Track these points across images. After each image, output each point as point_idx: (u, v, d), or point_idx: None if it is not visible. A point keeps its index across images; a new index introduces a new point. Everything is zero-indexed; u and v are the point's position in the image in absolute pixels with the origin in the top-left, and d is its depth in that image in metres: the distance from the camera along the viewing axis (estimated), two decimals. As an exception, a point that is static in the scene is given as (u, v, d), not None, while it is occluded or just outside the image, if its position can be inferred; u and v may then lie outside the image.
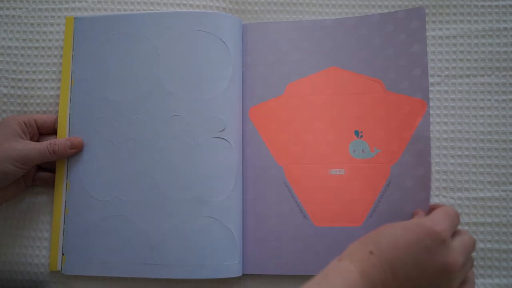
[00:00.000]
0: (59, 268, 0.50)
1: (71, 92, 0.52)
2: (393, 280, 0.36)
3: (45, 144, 0.48)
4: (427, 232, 0.37)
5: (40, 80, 0.54)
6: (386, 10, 0.53)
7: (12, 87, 0.53)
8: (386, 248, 0.36)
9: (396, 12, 0.52)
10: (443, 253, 0.36)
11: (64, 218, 0.50)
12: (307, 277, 0.48)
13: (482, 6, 0.52)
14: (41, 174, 0.51)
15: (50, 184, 0.51)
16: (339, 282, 0.35)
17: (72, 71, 0.52)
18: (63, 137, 0.51)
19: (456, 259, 0.37)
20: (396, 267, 0.36)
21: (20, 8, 0.55)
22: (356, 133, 0.50)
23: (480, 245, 0.49)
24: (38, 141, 0.51)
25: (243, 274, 0.48)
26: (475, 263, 0.48)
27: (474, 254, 0.49)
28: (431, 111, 0.51)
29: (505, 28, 0.52)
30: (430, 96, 0.51)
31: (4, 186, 0.48)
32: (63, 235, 0.50)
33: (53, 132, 0.52)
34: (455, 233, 0.41)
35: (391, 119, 0.50)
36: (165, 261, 0.47)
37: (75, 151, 0.50)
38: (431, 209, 0.45)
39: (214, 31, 0.50)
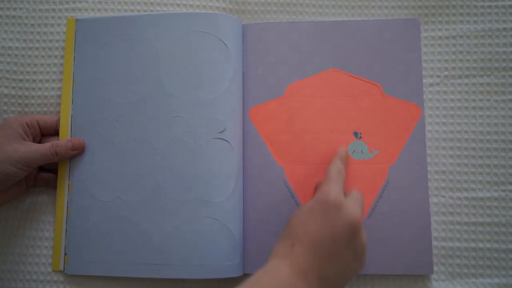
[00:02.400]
0: (61, 268, 0.50)
1: (73, 93, 0.52)
2: (317, 260, 0.38)
3: (47, 146, 0.48)
4: (325, 203, 0.40)
5: (40, 80, 0.54)
6: (385, 11, 0.53)
7: (13, 87, 0.54)
8: (302, 236, 0.39)
9: (393, 20, 0.52)
10: (343, 214, 0.39)
11: (67, 219, 0.50)
12: (307, 277, 0.49)
13: (482, 6, 0.52)
14: (43, 174, 0.52)
15: (51, 185, 0.51)
16: (273, 282, 0.37)
17: (73, 73, 0.52)
18: (65, 138, 0.51)
19: (355, 213, 0.40)
20: (316, 247, 0.39)
21: (21, 9, 0.55)
22: (355, 134, 0.50)
23: (480, 245, 0.49)
24: (40, 142, 0.51)
25: (244, 274, 0.49)
26: (474, 262, 0.49)
27: (473, 254, 0.49)
28: (430, 112, 0.51)
29: (505, 28, 0.52)
30: (430, 96, 0.52)
31: (6, 187, 0.48)
32: (66, 235, 0.50)
33: (55, 133, 0.52)
34: (345, 194, 0.43)
35: (389, 122, 0.50)
36: (166, 261, 0.48)
37: (77, 152, 0.50)
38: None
39: (215, 31, 0.50)
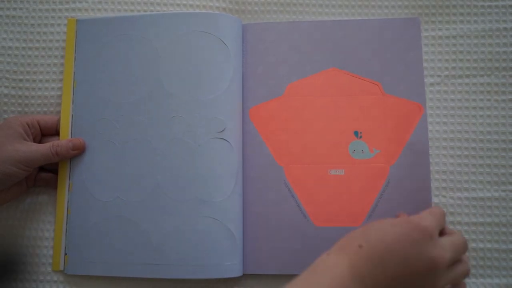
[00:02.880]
0: (61, 268, 0.50)
1: (73, 93, 0.52)
2: (382, 273, 0.36)
3: (48, 146, 0.48)
4: (414, 226, 0.37)
5: (41, 80, 0.54)
6: (386, 11, 0.53)
7: (13, 87, 0.54)
8: (375, 242, 0.37)
9: (394, 19, 0.52)
10: (429, 247, 0.37)
11: (67, 219, 0.50)
12: (307, 277, 0.49)
13: (482, 6, 0.52)
14: (43, 174, 0.52)
15: (51, 185, 0.51)
16: (327, 276, 0.35)
17: (74, 73, 0.52)
18: (65, 138, 0.51)
19: (443, 254, 0.37)
20: (385, 259, 0.36)
21: (21, 9, 0.55)
22: (356, 133, 0.50)
23: (480, 245, 0.49)
24: (40, 142, 0.51)
25: (244, 274, 0.49)
26: (474, 262, 0.49)
27: (473, 254, 0.49)
28: (431, 111, 0.51)
29: (505, 28, 0.52)
30: (430, 96, 0.52)
31: (6, 187, 0.48)
32: (66, 235, 0.50)
33: (55, 133, 0.52)
34: (446, 233, 0.41)
35: (390, 121, 0.50)
36: (166, 261, 0.48)
37: (77, 153, 0.50)
38: None
39: (214, 31, 0.50)
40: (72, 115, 0.52)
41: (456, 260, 0.39)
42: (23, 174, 0.47)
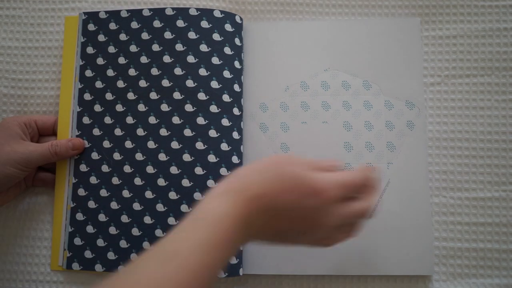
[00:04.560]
0: (60, 264, 0.49)
1: (74, 88, 0.51)
2: (268, 190, 0.35)
3: (47, 146, 0.48)
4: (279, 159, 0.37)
5: (40, 80, 0.54)
6: (386, 11, 0.53)
7: (12, 87, 0.53)
8: (258, 189, 0.35)
9: (393, 19, 0.52)
10: (311, 178, 0.35)
11: (66, 215, 0.50)
12: (307, 277, 0.49)
13: (482, 6, 0.52)
14: (42, 175, 0.51)
15: (50, 185, 0.51)
16: (209, 220, 0.33)
17: (75, 68, 0.52)
18: (65, 136, 0.51)
19: (326, 187, 0.35)
20: (269, 203, 0.35)
21: (20, 8, 0.55)
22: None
23: (481, 245, 0.49)
24: (38, 142, 0.51)
25: (243, 274, 0.48)
26: (474, 262, 0.49)
27: (474, 254, 0.49)
28: (431, 111, 0.51)
29: (505, 28, 0.52)
30: (430, 96, 0.52)
31: (5, 189, 0.48)
32: (65, 231, 0.50)
33: (52, 133, 0.51)
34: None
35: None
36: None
37: (77, 152, 0.50)
38: None
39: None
40: (73, 110, 0.51)
41: (349, 197, 0.38)
42: (22, 175, 0.47)
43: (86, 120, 0.51)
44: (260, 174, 0.36)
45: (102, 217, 0.49)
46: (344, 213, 0.37)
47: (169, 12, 0.51)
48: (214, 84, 0.49)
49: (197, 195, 0.48)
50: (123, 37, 0.51)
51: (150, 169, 0.49)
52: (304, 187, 0.35)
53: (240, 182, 0.36)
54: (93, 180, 0.50)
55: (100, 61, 0.51)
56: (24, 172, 0.47)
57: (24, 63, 0.54)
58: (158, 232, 0.48)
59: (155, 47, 0.51)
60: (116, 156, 0.50)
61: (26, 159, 0.46)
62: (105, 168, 0.50)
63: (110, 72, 0.51)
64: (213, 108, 0.49)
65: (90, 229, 0.49)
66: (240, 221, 0.33)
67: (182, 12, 0.51)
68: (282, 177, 0.35)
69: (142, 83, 0.50)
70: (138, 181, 0.49)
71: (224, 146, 0.49)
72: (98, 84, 0.51)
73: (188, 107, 0.49)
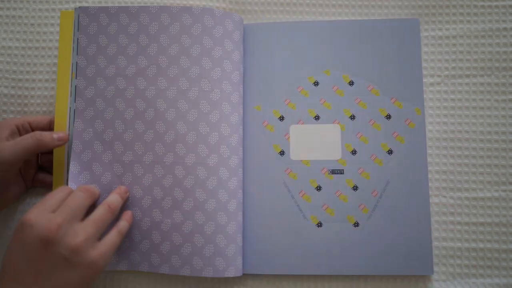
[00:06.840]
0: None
1: (71, 85, 0.50)
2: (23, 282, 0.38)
3: (28, 136, 0.46)
4: (18, 226, 0.39)
5: (40, 80, 0.54)
6: (385, 11, 0.53)
7: (12, 87, 0.53)
8: (4, 264, 0.39)
9: (393, 20, 0.52)
10: (35, 230, 0.38)
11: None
12: (307, 277, 0.49)
13: (482, 6, 0.52)
14: (41, 175, 0.51)
15: (50, 186, 0.50)
16: None
17: (72, 64, 0.51)
18: (63, 129, 0.49)
19: (45, 226, 0.39)
20: (13, 268, 0.38)
21: (20, 8, 0.55)
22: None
23: (480, 245, 0.49)
24: None
25: (243, 274, 0.48)
26: (474, 262, 0.49)
27: (474, 254, 0.49)
28: (430, 111, 0.51)
29: (505, 28, 0.52)
30: (430, 96, 0.52)
31: (4, 190, 0.47)
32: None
33: None
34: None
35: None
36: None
37: (61, 143, 0.48)
38: None
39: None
40: (70, 107, 0.50)
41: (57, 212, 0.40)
42: (10, 175, 0.46)
43: (81, 116, 0.50)
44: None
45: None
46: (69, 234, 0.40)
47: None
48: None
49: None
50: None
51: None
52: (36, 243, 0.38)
53: None
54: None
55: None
56: (10, 172, 0.46)
57: (24, 63, 0.54)
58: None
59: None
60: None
61: (6, 157, 0.44)
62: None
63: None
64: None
65: None
66: None
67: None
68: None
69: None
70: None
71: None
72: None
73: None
